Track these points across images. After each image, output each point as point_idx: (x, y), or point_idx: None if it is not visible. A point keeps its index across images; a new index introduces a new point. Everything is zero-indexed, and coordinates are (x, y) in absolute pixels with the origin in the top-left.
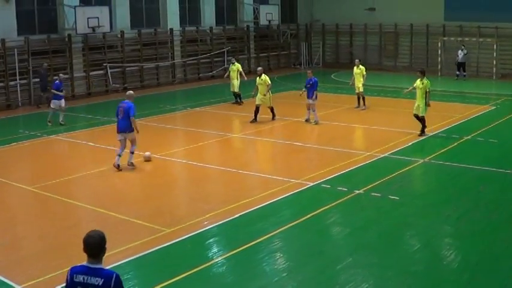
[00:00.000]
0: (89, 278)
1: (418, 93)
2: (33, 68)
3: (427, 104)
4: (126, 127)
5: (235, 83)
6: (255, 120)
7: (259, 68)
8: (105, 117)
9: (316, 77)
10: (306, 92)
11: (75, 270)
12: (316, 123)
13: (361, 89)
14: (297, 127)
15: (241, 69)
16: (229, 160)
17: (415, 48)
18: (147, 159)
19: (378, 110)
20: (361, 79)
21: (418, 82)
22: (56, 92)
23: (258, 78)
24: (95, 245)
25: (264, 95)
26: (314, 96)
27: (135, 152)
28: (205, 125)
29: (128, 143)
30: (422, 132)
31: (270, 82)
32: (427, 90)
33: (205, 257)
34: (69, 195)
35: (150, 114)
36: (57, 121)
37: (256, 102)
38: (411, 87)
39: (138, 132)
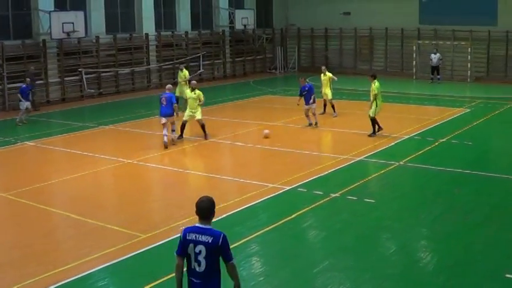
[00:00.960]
0: (200, 236)
1: (372, 96)
2: (7, 74)
3: (377, 105)
4: (169, 112)
5: (185, 89)
6: (181, 136)
7: (193, 82)
8: (80, 122)
9: (310, 83)
10: (302, 99)
11: (188, 230)
12: (317, 125)
13: (330, 96)
14: (272, 131)
15: (188, 77)
16: (205, 165)
17: (390, 52)
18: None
19: (353, 113)
20: (329, 86)
21: (371, 85)
22: (20, 97)
23: (191, 91)
24: (206, 209)
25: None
26: (312, 101)
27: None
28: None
29: (169, 125)
30: (373, 133)
31: (203, 99)
32: (375, 93)
33: None
34: (45, 201)
35: (126, 119)
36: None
37: (184, 118)
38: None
39: (177, 115)
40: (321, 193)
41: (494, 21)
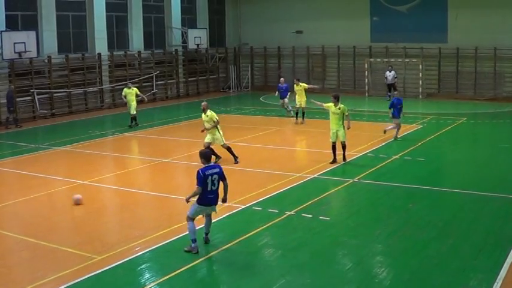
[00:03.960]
0: (213, 170)
1: (334, 118)
2: None
3: (347, 127)
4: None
5: (134, 105)
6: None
7: (204, 103)
8: (32, 144)
9: (287, 83)
10: (279, 94)
11: (204, 170)
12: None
13: (303, 104)
14: (226, 151)
15: (138, 92)
16: (159, 185)
17: (343, 70)
18: (77, 203)
19: (306, 131)
20: (303, 95)
21: (332, 107)
22: None
23: (203, 114)
24: (208, 155)
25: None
26: (288, 95)
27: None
28: (134, 151)
29: None
30: (344, 158)
31: (217, 118)
32: (346, 113)
33: (137, 284)
34: None
35: (79, 140)
36: None
37: (207, 141)
38: (321, 103)
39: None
40: (276, 211)
41: (445, 38)
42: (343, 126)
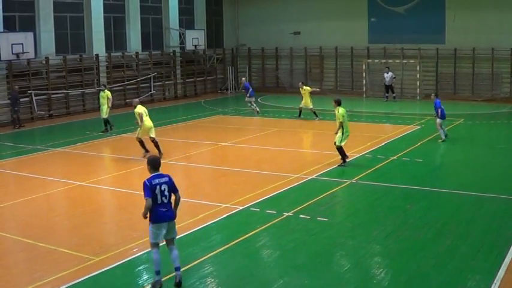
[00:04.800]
0: (161, 179)
1: (337, 122)
2: None
3: (343, 133)
4: None
5: (105, 109)
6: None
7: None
8: (30, 145)
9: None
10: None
11: (151, 179)
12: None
13: (311, 105)
14: (224, 152)
15: (110, 96)
16: None
17: (340, 71)
18: None
19: (304, 132)
20: (308, 96)
21: (335, 111)
22: None
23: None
24: (158, 161)
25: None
26: (249, 94)
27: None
28: (132, 152)
29: None
30: (344, 162)
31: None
32: (340, 120)
33: (135, 285)
34: None
35: (77, 141)
36: None
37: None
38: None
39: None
40: (274, 212)
41: (442, 39)
42: (341, 130)
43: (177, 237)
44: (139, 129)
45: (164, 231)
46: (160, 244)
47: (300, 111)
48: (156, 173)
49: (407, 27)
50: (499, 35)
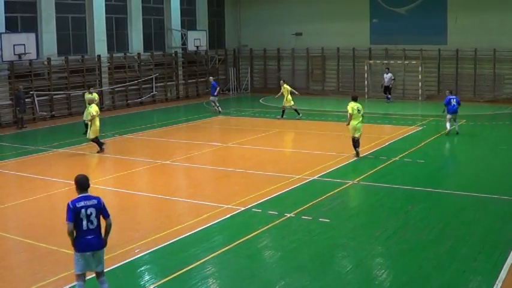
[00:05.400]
0: (88, 201)
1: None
2: None
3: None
4: None
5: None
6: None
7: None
8: (32, 146)
9: (215, 81)
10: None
11: (75, 201)
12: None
13: (292, 102)
14: (226, 152)
15: (97, 99)
16: (158, 187)
17: (342, 72)
18: None
19: (306, 133)
20: (289, 95)
21: None
22: None
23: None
24: (85, 182)
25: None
26: (216, 93)
27: None
28: (134, 152)
29: None
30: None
31: (93, 113)
32: (350, 112)
33: (137, 286)
34: None
35: (78, 142)
36: None
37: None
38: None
39: None
40: (275, 213)
41: (444, 40)
42: (351, 123)
43: (177, 238)
44: (91, 128)
45: (93, 262)
46: (90, 277)
47: (283, 111)
48: (83, 195)
49: (409, 28)
50: (500, 36)
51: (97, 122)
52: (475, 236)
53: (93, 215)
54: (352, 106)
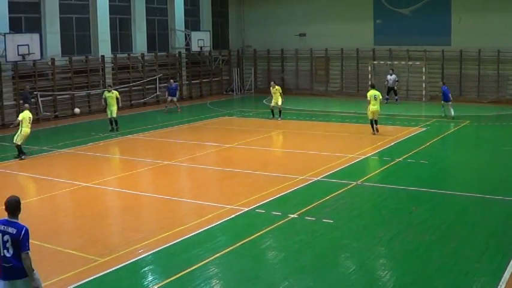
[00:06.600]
0: (7, 227)
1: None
2: None
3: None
4: None
5: (114, 109)
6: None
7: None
8: (36, 146)
9: (176, 83)
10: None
11: None
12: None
13: (280, 103)
14: (229, 153)
15: (119, 96)
16: (162, 188)
17: (346, 73)
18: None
19: (309, 134)
20: (279, 96)
21: None
22: None
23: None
24: (12, 205)
25: None
26: (177, 94)
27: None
28: (137, 153)
29: None
30: (373, 131)
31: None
32: (368, 99)
33: (140, 286)
34: None
35: (82, 142)
36: None
37: None
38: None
39: None
40: (279, 214)
41: (448, 41)
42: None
43: (181, 239)
44: (18, 134)
45: None
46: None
47: (273, 111)
48: (5, 219)
49: (413, 29)
50: (504, 36)
51: (27, 130)
52: (478, 237)
53: (9, 242)
54: (370, 93)
